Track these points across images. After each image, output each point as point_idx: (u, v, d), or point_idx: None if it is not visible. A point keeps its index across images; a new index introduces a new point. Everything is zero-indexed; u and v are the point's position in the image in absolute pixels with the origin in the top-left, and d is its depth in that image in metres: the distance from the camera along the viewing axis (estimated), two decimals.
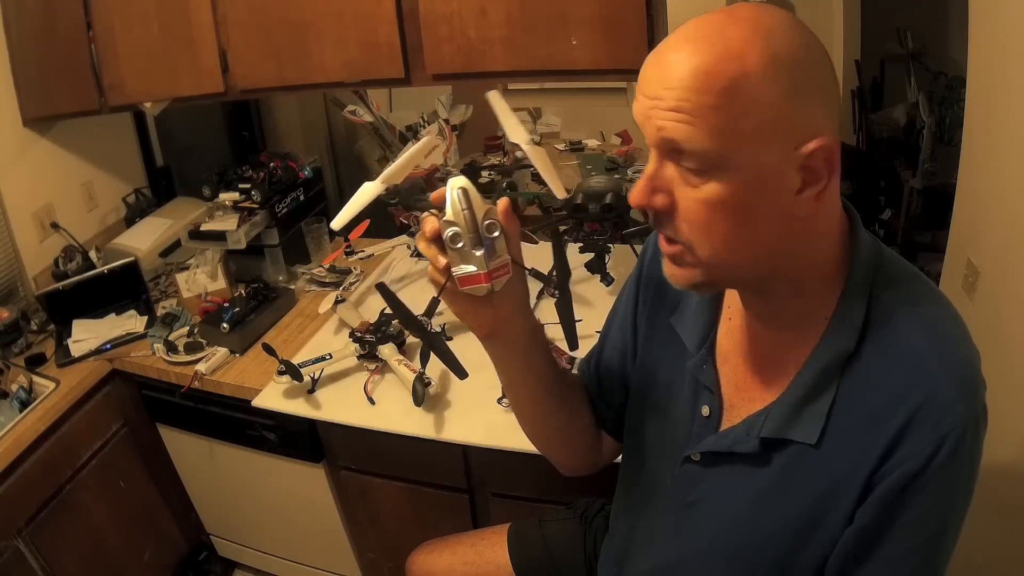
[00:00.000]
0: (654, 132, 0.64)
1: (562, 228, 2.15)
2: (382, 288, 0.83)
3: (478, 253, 0.72)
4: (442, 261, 0.74)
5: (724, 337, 0.84)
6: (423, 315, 0.83)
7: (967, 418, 0.67)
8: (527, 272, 0.80)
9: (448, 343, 1.67)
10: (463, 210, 0.71)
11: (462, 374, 0.82)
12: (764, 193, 0.64)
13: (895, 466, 0.68)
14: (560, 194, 0.91)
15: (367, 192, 0.84)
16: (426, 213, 0.75)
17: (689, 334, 0.86)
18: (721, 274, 0.71)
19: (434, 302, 0.79)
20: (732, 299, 0.84)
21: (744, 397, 0.81)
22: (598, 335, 1.04)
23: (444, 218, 0.72)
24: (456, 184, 0.73)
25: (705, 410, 0.83)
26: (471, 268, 0.72)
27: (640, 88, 0.66)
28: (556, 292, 0.86)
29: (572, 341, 0.91)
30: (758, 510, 0.78)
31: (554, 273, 0.86)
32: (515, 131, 0.81)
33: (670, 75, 0.62)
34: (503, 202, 0.75)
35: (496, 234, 0.73)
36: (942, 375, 0.68)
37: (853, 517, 0.72)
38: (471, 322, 0.81)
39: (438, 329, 1.70)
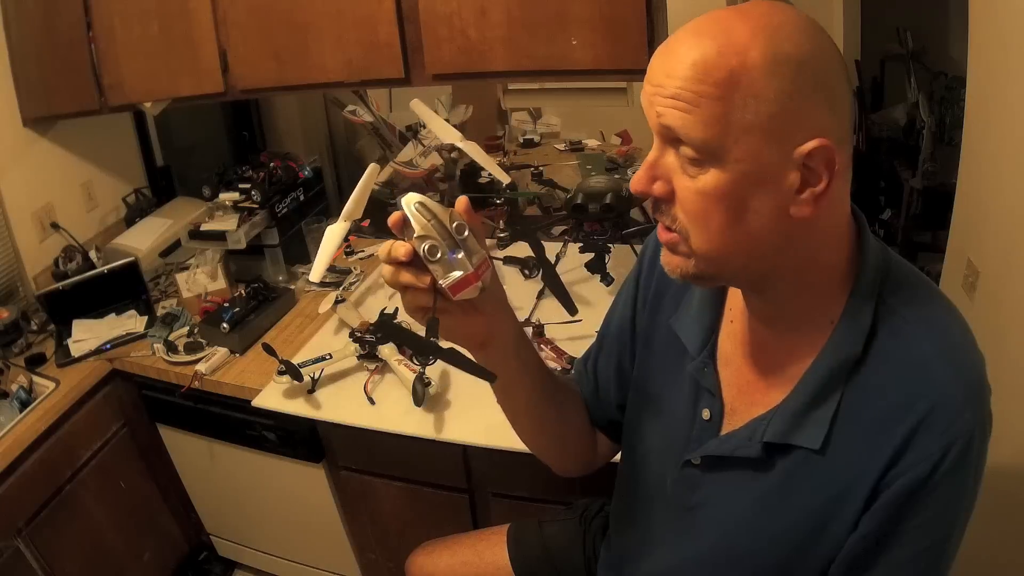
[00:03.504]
0: (655, 118, 0.66)
1: (562, 229, 2.14)
2: (385, 323, 0.83)
3: (460, 256, 0.71)
4: (426, 279, 0.72)
5: (726, 339, 0.84)
6: (430, 335, 0.82)
7: (973, 425, 0.67)
8: (500, 262, 0.80)
9: (447, 343, 1.68)
10: (430, 221, 0.71)
11: (491, 377, 0.81)
12: (761, 189, 0.64)
13: (901, 473, 0.68)
14: (504, 179, 0.93)
15: (334, 235, 0.83)
16: (387, 242, 0.73)
17: (690, 336, 0.85)
18: (713, 267, 0.70)
19: (434, 322, 0.78)
20: (734, 301, 0.83)
21: (746, 401, 0.80)
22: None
23: (415, 235, 0.71)
24: (412, 200, 0.72)
25: (706, 413, 0.83)
26: (458, 273, 0.71)
27: (647, 76, 0.67)
28: (539, 270, 0.88)
29: (570, 307, 0.92)
30: (761, 515, 0.78)
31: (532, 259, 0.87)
32: (445, 132, 0.82)
33: (673, 65, 0.63)
34: (461, 200, 0.75)
35: (467, 234, 0.72)
36: (949, 382, 0.68)
37: (858, 524, 0.72)
38: (464, 333, 0.80)
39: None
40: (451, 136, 0.81)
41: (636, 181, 0.69)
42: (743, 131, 0.62)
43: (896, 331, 0.71)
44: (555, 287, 0.90)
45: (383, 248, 0.72)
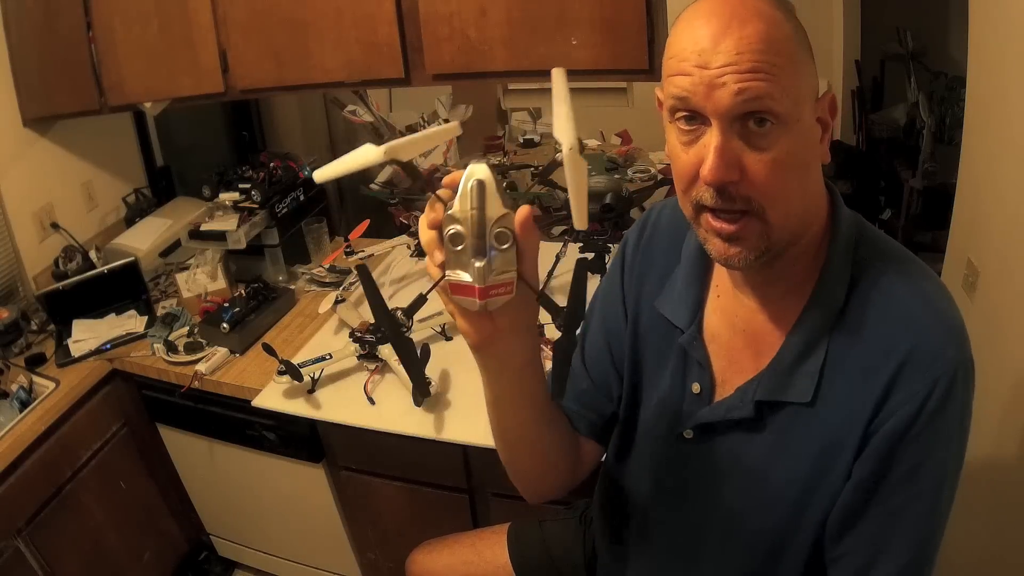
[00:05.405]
0: (729, 97, 0.65)
1: (561, 229, 2.14)
2: (362, 271, 0.70)
3: (478, 264, 0.60)
4: (438, 257, 0.63)
5: (712, 314, 0.85)
6: (403, 311, 0.71)
7: (957, 362, 0.69)
8: (537, 296, 0.67)
9: (448, 343, 1.68)
10: (471, 209, 0.59)
11: (421, 396, 0.74)
12: (811, 144, 0.71)
13: (889, 414, 0.70)
14: (581, 225, 0.74)
15: (365, 154, 0.67)
16: (434, 195, 0.62)
17: (677, 313, 0.86)
18: (786, 237, 0.72)
19: (420, 299, 0.69)
20: (719, 277, 0.85)
21: (735, 370, 0.82)
22: None
23: (448, 211, 0.60)
24: (473, 174, 0.59)
25: (696, 387, 0.84)
26: (465, 277, 0.61)
27: (691, 61, 0.66)
28: (561, 328, 0.70)
29: (558, 389, 0.77)
30: (758, 477, 0.79)
31: (565, 308, 0.70)
32: (564, 129, 0.68)
33: (735, 42, 0.65)
34: (524, 210, 0.62)
35: (506, 246, 0.60)
36: (928, 324, 0.71)
37: (852, 472, 0.73)
38: (463, 327, 0.69)
39: (438, 330, 1.69)
40: (564, 136, 0.66)
41: (715, 170, 0.66)
42: (801, 93, 0.67)
43: (874, 281, 0.74)
44: (561, 355, 0.73)
45: (434, 198, 0.63)
